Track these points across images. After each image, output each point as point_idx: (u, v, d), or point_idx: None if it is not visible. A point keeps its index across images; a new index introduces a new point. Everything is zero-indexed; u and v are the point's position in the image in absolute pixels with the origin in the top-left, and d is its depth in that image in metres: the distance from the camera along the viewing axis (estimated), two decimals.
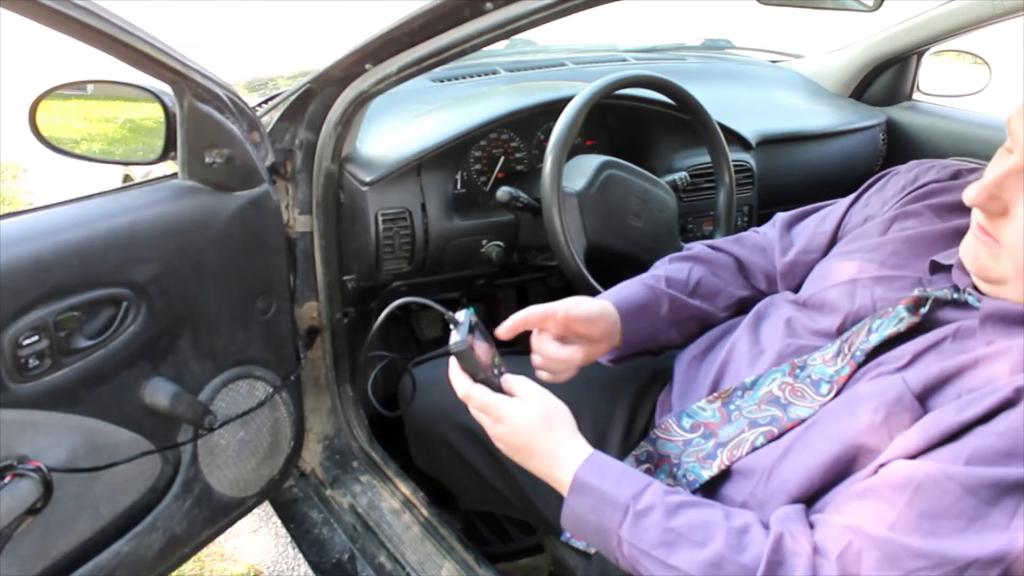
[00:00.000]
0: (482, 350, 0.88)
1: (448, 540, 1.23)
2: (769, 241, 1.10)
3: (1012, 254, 0.72)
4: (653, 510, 0.75)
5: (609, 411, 1.03)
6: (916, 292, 0.81)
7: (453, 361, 0.87)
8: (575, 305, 0.96)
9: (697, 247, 1.11)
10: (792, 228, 1.09)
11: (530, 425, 0.84)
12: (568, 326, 0.96)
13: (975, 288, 0.78)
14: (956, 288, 0.79)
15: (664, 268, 1.07)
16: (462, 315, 0.88)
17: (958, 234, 0.81)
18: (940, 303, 0.79)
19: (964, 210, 0.80)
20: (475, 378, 0.87)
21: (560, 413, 0.86)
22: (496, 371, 0.89)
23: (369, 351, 1.02)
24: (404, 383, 1.24)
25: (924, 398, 0.73)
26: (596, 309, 0.98)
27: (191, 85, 1.02)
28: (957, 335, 0.76)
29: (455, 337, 0.85)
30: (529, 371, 0.98)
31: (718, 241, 1.14)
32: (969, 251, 0.77)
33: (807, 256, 1.03)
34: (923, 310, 0.79)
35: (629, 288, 1.03)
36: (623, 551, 0.76)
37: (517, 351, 1.05)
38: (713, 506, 0.77)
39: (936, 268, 0.84)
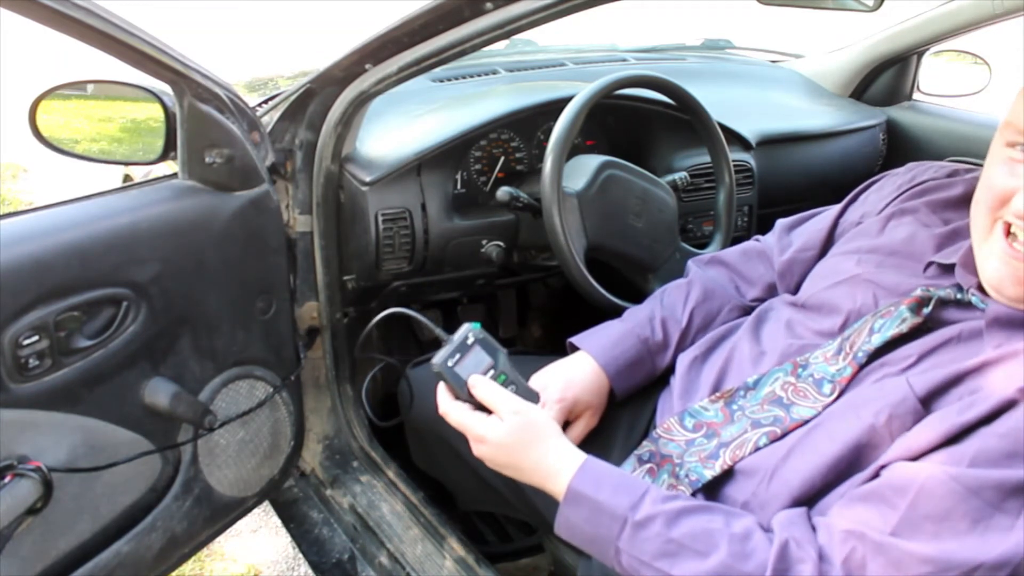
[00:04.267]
0: (473, 369, 0.86)
1: (448, 540, 1.23)
2: (769, 246, 1.11)
3: None
4: (653, 520, 0.74)
5: (611, 411, 1.03)
6: (919, 292, 0.80)
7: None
8: (565, 391, 0.96)
9: (695, 272, 1.11)
10: (791, 231, 1.10)
11: (509, 443, 0.83)
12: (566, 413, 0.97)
13: (980, 289, 0.77)
14: (959, 288, 0.79)
15: (660, 306, 1.07)
16: (461, 332, 0.87)
17: (956, 233, 0.81)
18: (943, 303, 0.79)
19: (961, 208, 0.80)
20: (457, 396, 0.87)
21: (541, 424, 0.85)
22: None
23: (362, 352, 1.02)
24: (403, 388, 1.24)
25: (928, 401, 0.73)
26: (585, 392, 0.98)
27: (191, 85, 1.02)
28: (962, 337, 0.76)
29: (438, 356, 0.85)
30: (529, 371, 0.98)
31: (722, 254, 1.14)
32: (1007, 275, 0.72)
33: (804, 254, 1.03)
34: (926, 310, 0.79)
35: (621, 344, 1.02)
36: (621, 561, 0.75)
37: (521, 350, 1.05)
38: (713, 511, 0.76)
39: (935, 267, 0.83)
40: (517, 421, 0.83)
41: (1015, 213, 0.70)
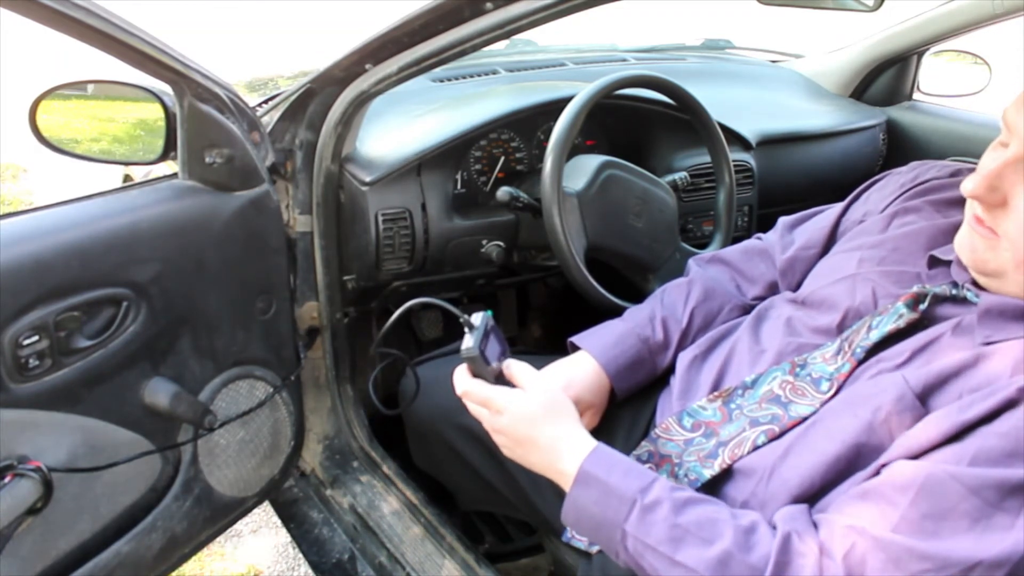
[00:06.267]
0: (495, 355, 0.88)
1: (448, 540, 1.23)
2: (770, 244, 1.11)
3: (1012, 245, 0.72)
4: (661, 505, 0.74)
5: (610, 411, 1.03)
6: (915, 288, 0.81)
7: (462, 364, 0.88)
8: (566, 390, 0.94)
9: (695, 271, 1.11)
10: (794, 229, 1.10)
11: (533, 414, 0.84)
12: None
13: (974, 283, 0.78)
14: (955, 284, 0.80)
15: (660, 306, 1.06)
16: (478, 319, 0.88)
17: (957, 230, 0.81)
18: (939, 299, 0.80)
19: (963, 206, 0.80)
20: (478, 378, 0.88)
21: (563, 404, 0.86)
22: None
23: (377, 348, 1.03)
24: (406, 382, 1.24)
25: (925, 397, 0.73)
26: (586, 391, 0.98)
27: (191, 85, 1.02)
28: (955, 330, 0.76)
29: (468, 342, 0.86)
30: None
31: (723, 253, 1.15)
32: (965, 244, 0.77)
33: (806, 252, 1.03)
34: (922, 306, 0.79)
35: (621, 343, 1.02)
36: (627, 545, 0.76)
37: (521, 350, 1.05)
38: (719, 504, 0.77)
39: (935, 263, 0.84)
40: (546, 396, 0.85)
41: (963, 188, 0.75)
